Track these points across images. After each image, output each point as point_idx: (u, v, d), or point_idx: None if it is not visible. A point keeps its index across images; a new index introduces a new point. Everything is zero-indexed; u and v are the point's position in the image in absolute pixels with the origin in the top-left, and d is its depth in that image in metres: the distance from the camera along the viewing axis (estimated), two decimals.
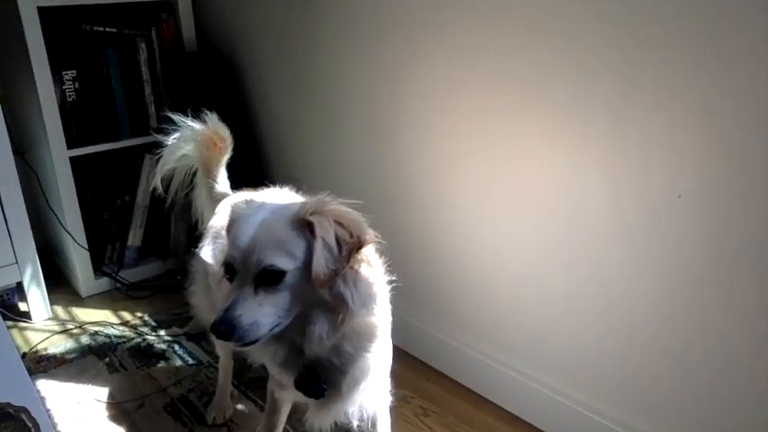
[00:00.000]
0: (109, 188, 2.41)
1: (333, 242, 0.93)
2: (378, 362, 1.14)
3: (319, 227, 0.93)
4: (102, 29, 2.25)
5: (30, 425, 0.65)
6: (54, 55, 2.14)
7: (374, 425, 1.29)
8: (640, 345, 1.35)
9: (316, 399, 1.08)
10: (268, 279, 0.92)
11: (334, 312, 0.97)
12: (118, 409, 1.78)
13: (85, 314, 2.28)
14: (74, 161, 2.25)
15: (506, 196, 1.55)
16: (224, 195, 1.56)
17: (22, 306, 2.29)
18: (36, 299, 2.22)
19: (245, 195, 1.49)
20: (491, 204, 1.60)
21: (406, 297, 1.96)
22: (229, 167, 2.16)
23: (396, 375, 1.85)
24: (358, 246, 0.96)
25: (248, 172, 2.30)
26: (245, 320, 0.90)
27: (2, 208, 2.06)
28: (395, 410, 1.70)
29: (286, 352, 1.04)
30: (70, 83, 2.21)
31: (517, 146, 1.49)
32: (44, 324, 2.23)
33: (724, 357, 1.21)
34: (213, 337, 0.99)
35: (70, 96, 2.22)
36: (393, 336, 1.99)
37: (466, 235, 1.69)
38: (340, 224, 0.94)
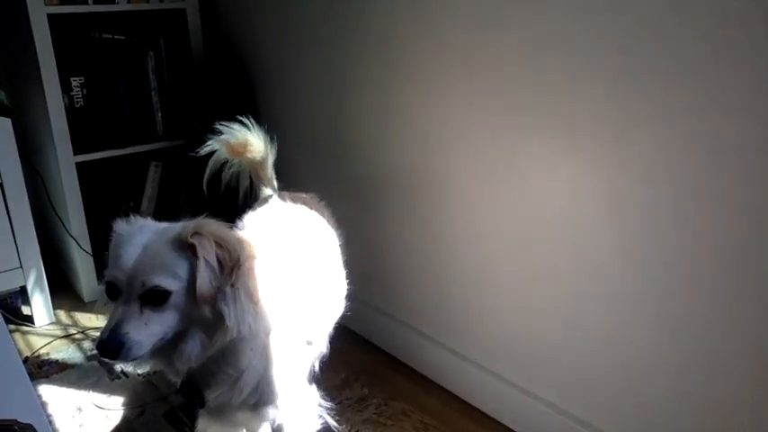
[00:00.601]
0: (114, 194, 2.42)
1: (214, 262, 0.98)
2: (269, 374, 1.17)
3: (200, 248, 0.97)
4: (110, 36, 2.27)
5: None
6: (62, 61, 2.15)
7: None
8: (640, 360, 1.35)
9: (199, 407, 1.15)
10: (153, 299, 0.96)
11: (212, 330, 1.01)
12: (118, 417, 1.78)
13: (88, 319, 2.29)
14: (80, 166, 2.26)
15: (506, 210, 1.56)
16: (266, 199, 1.61)
17: (26, 310, 2.30)
18: (39, 303, 2.23)
19: (276, 201, 1.58)
20: (491, 220, 1.60)
21: (405, 310, 1.99)
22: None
23: (395, 388, 1.88)
24: (237, 264, 1.00)
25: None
26: (132, 338, 0.94)
27: (8, 212, 2.07)
28: (395, 425, 1.73)
29: (164, 365, 1.09)
30: (78, 89, 2.23)
31: (517, 158, 1.50)
32: (47, 329, 2.23)
33: (726, 374, 1.21)
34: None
35: (78, 102, 2.23)
36: (390, 346, 2.04)
37: (471, 252, 1.70)
38: (219, 245, 0.99)
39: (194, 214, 1.43)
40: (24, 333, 2.21)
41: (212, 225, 1.03)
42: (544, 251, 1.49)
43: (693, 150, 1.16)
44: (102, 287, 1.01)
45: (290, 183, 1.79)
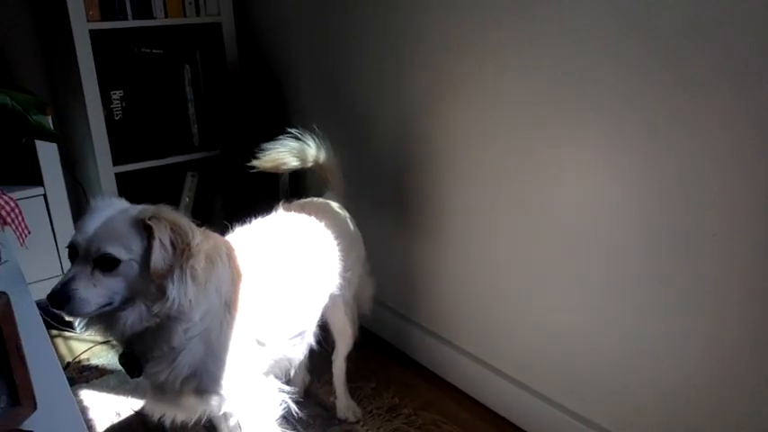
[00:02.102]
0: (152, 203, 2.48)
1: (168, 243, 1.10)
2: (207, 361, 1.24)
3: (157, 229, 1.09)
4: (149, 51, 2.33)
5: None
6: (103, 75, 2.22)
7: (239, 427, 1.39)
8: (669, 380, 1.34)
9: (132, 377, 1.23)
10: (104, 264, 1.08)
11: (154, 302, 1.12)
12: (156, 421, 1.82)
13: None
14: (119, 177, 2.33)
15: (534, 224, 1.55)
16: (319, 202, 1.72)
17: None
18: None
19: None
20: (523, 229, 1.60)
21: (436, 320, 1.99)
22: (273, 180, 2.23)
23: (425, 399, 1.89)
24: (188, 248, 1.12)
25: (291, 181, 2.35)
26: (79, 294, 1.05)
27: (51, 221, 2.15)
28: None
29: (110, 332, 1.18)
30: (117, 102, 2.29)
31: (549, 174, 1.49)
32: (87, 334, 2.29)
33: (759, 398, 1.18)
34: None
35: (117, 115, 2.30)
36: (421, 356, 2.04)
37: (501, 262, 1.69)
38: (173, 230, 1.11)
39: (229, 221, 1.49)
40: (66, 339, 2.28)
41: (169, 212, 1.15)
42: (574, 261, 1.49)
43: (722, 159, 1.15)
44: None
45: (320, 191, 1.82)
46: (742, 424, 1.22)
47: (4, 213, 0.93)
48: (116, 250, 1.07)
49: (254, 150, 2.27)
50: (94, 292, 1.07)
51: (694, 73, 1.15)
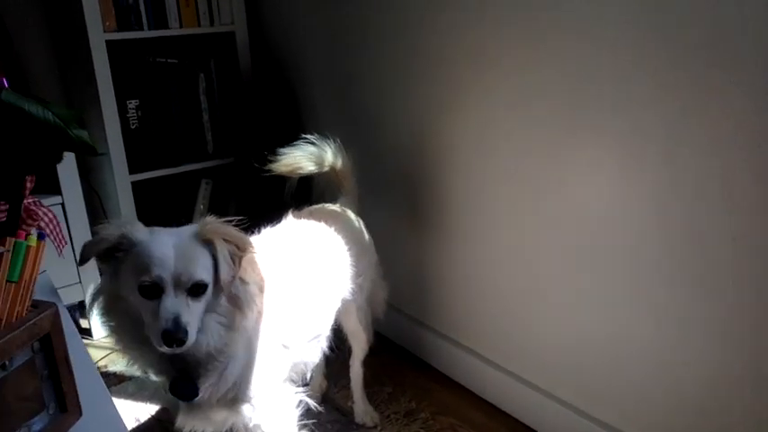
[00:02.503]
0: (167, 211, 2.51)
1: (228, 254, 1.10)
2: (252, 367, 1.25)
3: (217, 243, 1.09)
4: (164, 60, 2.36)
5: None
6: (119, 85, 2.25)
7: None
8: (685, 384, 1.36)
9: (189, 401, 1.21)
10: (195, 291, 1.08)
11: (228, 316, 1.13)
12: (175, 427, 1.85)
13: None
14: (135, 185, 2.35)
15: (550, 226, 1.58)
16: (330, 208, 1.75)
17: (84, 323, 2.39)
18: (97, 319, 2.32)
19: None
20: (532, 238, 1.63)
21: (450, 325, 2.02)
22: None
23: (442, 403, 1.91)
24: (244, 255, 1.14)
25: (305, 188, 2.37)
26: (191, 328, 1.05)
27: (68, 229, 2.17)
28: None
29: (159, 360, 1.16)
30: (133, 111, 2.32)
31: (564, 175, 1.52)
32: (104, 341, 2.32)
33: None
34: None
35: (133, 124, 2.32)
36: (436, 361, 2.07)
37: (516, 265, 1.72)
38: (227, 241, 1.12)
39: (243, 228, 1.52)
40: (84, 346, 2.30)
41: (216, 222, 1.15)
42: (591, 262, 1.51)
43: (741, 161, 1.17)
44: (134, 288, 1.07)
45: (331, 196, 1.84)
46: (763, 424, 1.25)
47: (42, 224, 0.95)
48: (204, 275, 1.07)
49: (267, 157, 2.29)
50: (195, 320, 1.07)
51: (711, 72, 1.17)
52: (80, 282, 2.25)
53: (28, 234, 0.83)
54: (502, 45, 1.57)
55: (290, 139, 2.56)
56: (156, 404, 1.96)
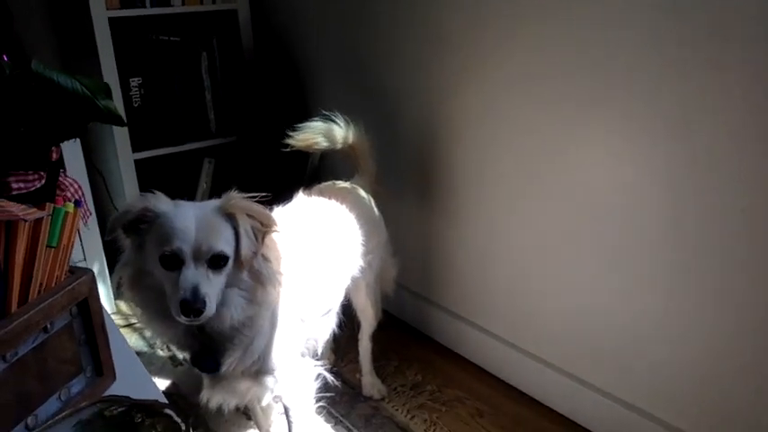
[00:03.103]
0: (170, 189, 2.51)
1: (250, 230, 1.11)
2: (273, 340, 1.27)
3: (240, 218, 1.10)
4: (167, 38, 2.35)
5: (178, 421, 0.73)
6: (122, 62, 2.24)
7: (286, 410, 1.43)
8: (700, 355, 1.40)
9: (210, 373, 1.23)
10: (216, 263, 1.08)
11: (250, 291, 1.13)
12: (184, 403, 1.87)
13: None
14: (137, 163, 2.35)
15: (560, 200, 1.61)
16: (340, 186, 1.77)
17: None
18: (102, 294, 2.33)
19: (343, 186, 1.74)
20: (545, 210, 1.65)
21: (455, 300, 2.05)
22: (290, 162, 2.28)
23: (448, 376, 1.95)
24: (267, 232, 1.14)
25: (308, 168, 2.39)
26: (209, 298, 1.05)
27: None
28: (450, 411, 1.80)
29: (183, 332, 1.17)
30: (136, 89, 2.32)
31: (574, 154, 1.54)
32: (113, 317, 2.33)
33: None
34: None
35: (136, 102, 2.32)
36: (441, 336, 2.11)
37: (521, 242, 1.75)
38: (251, 216, 1.12)
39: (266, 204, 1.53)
40: None
41: (242, 199, 1.15)
42: (598, 239, 1.54)
43: (752, 136, 1.20)
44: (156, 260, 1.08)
45: (338, 175, 1.86)
46: None
47: (69, 195, 0.96)
48: (224, 247, 1.07)
49: (270, 136, 2.29)
50: (215, 292, 1.07)
51: (724, 48, 1.20)
52: (84, 259, 2.26)
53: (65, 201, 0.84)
54: (514, 22, 1.58)
55: (294, 117, 2.57)
56: (165, 379, 1.98)
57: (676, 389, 1.46)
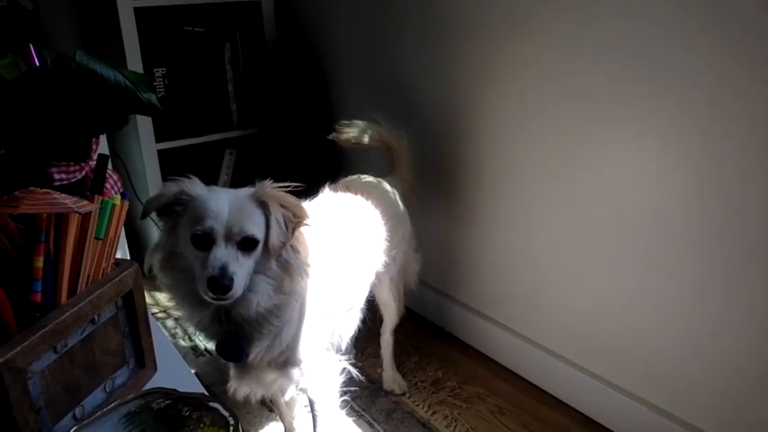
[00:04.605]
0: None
1: (281, 219, 1.12)
2: (300, 332, 1.28)
3: (272, 206, 1.11)
4: (191, 29, 2.35)
5: (226, 414, 0.74)
6: (146, 52, 2.25)
7: (311, 403, 1.43)
8: (724, 355, 1.39)
9: (236, 362, 1.24)
10: (246, 245, 1.09)
11: (277, 279, 1.15)
12: (206, 392, 1.88)
13: (167, 298, 2.40)
14: (160, 154, 2.36)
15: (586, 197, 1.60)
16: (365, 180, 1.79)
17: None
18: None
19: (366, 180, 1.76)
20: (569, 207, 1.65)
21: (476, 297, 2.05)
22: (312, 154, 2.27)
23: (468, 373, 1.95)
24: (298, 224, 1.15)
25: (329, 161, 2.39)
26: (237, 278, 1.06)
27: None
28: (471, 408, 1.80)
29: (210, 318, 1.18)
30: (160, 80, 2.32)
31: (598, 151, 1.53)
32: None
33: None
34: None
35: (160, 93, 2.32)
36: (462, 333, 2.11)
37: (544, 239, 1.75)
38: (283, 206, 1.13)
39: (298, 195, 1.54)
40: None
41: (275, 189, 1.16)
42: (623, 237, 1.53)
43: None
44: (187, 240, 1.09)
45: (362, 171, 1.86)
46: None
47: (108, 186, 0.97)
48: (255, 230, 1.09)
49: (292, 129, 2.29)
50: (243, 274, 1.07)
51: (756, 50, 1.19)
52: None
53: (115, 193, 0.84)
54: (547, 18, 1.57)
55: (316, 110, 2.57)
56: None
57: (702, 391, 1.46)
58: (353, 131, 1.81)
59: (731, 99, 1.25)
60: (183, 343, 2.13)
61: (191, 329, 2.22)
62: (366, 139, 1.82)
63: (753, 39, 1.19)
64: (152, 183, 2.36)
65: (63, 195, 0.75)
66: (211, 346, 1.28)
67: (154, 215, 1.16)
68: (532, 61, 1.63)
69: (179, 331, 2.20)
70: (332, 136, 1.82)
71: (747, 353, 1.35)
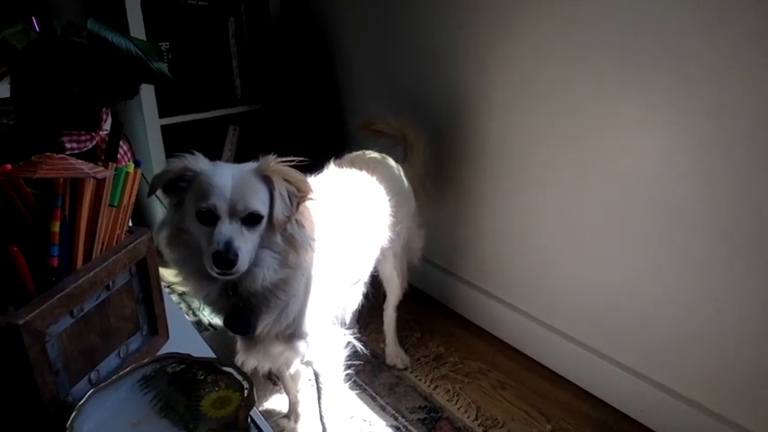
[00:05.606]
0: None
1: (286, 194, 1.12)
2: (306, 305, 1.29)
3: (276, 181, 1.11)
4: (195, 2, 2.33)
5: (239, 378, 0.75)
6: (150, 26, 2.23)
7: (316, 376, 1.45)
8: (728, 331, 1.41)
9: (243, 335, 1.26)
10: (251, 221, 1.09)
11: (282, 253, 1.15)
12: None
13: (172, 274, 2.41)
14: (163, 129, 2.35)
15: (596, 176, 1.60)
16: (370, 156, 1.81)
17: None
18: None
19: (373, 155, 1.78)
20: (575, 187, 1.65)
21: (479, 275, 2.06)
22: (315, 131, 2.26)
23: (470, 349, 1.97)
24: (303, 198, 1.15)
25: (333, 138, 2.39)
26: (242, 253, 1.06)
27: None
28: (472, 382, 1.83)
29: (218, 292, 1.19)
30: (164, 53, 2.31)
31: (605, 131, 1.54)
32: None
33: None
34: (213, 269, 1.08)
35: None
36: (464, 309, 2.13)
37: (549, 218, 1.76)
38: (288, 180, 1.13)
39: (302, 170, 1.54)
40: None
41: (279, 163, 1.16)
42: (629, 215, 1.55)
43: None
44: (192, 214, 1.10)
45: (367, 147, 1.87)
46: None
47: (119, 156, 0.97)
48: (259, 206, 1.09)
49: (296, 105, 2.28)
50: (248, 249, 1.08)
51: (762, 25, 1.19)
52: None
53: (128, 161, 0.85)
54: (560, 8, 1.57)
55: (320, 86, 2.56)
56: None
57: (705, 367, 1.48)
58: (384, 125, 1.89)
59: (739, 81, 1.25)
60: (187, 318, 2.15)
61: (195, 304, 2.23)
62: (389, 129, 1.86)
63: (754, 14, 1.19)
64: (156, 158, 2.36)
65: (80, 161, 0.76)
66: (218, 320, 1.29)
67: (159, 192, 1.16)
68: (540, 42, 1.63)
69: (183, 306, 2.22)
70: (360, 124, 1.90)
71: (751, 330, 1.37)
